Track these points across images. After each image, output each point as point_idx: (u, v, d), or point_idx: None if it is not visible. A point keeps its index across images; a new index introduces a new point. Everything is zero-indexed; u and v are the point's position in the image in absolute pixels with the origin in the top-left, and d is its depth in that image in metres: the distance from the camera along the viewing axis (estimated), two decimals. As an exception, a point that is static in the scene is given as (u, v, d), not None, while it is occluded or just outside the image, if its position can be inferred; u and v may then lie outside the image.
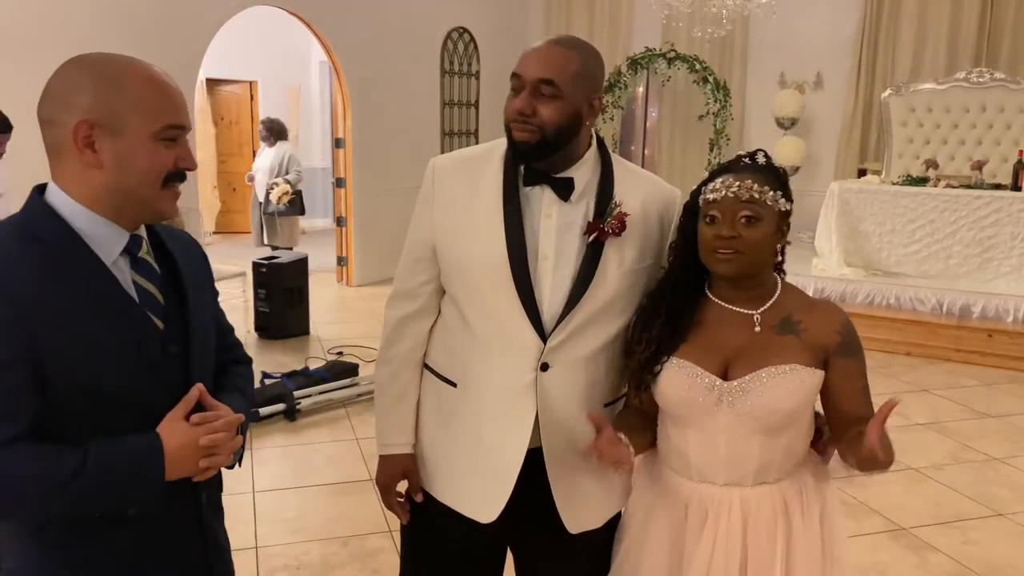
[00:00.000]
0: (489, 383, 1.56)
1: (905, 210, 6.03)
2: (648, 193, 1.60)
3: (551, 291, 1.52)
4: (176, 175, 1.21)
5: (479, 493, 1.58)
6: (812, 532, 1.52)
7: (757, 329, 1.48)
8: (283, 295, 5.78)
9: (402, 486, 1.70)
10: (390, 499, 1.71)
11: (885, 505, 3.43)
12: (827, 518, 1.56)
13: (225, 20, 6.17)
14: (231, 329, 1.52)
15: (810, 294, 1.63)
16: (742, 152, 1.54)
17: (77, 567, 1.19)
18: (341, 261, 7.64)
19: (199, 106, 9.04)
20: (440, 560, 1.71)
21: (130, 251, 1.22)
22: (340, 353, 5.36)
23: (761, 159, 1.50)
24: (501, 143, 1.58)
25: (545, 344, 1.52)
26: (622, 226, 1.52)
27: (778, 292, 1.52)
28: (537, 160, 1.52)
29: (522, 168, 1.54)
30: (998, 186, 6.03)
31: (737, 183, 1.44)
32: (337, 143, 7.45)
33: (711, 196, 1.47)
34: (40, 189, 1.20)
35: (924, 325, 5.68)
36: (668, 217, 1.62)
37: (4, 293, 1.08)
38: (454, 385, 1.62)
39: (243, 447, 1.33)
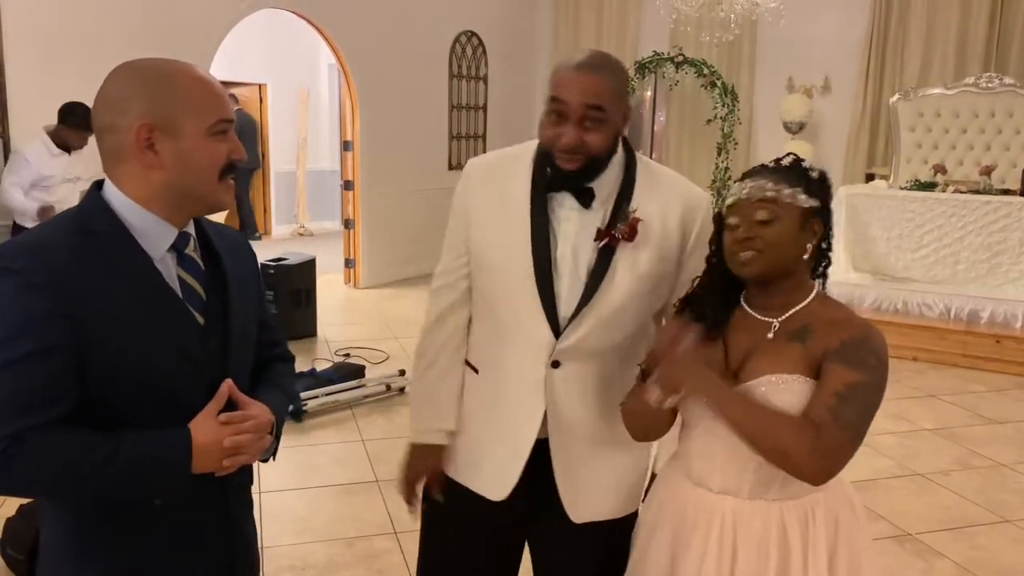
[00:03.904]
0: (505, 372, 1.63)
1: (913, 215, 6.02)
2: (670, 197, 1.60)
3: (568, 291, 1.56)
4: (229, 167, 1.25)
5: (490, 472, 1.65)
6: (817, 573, 1.42)
7: (770, 336, 1.44)
8: (291, 296, 5.79)
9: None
10: (410, 490, 1.72)
11: (892, 511, 3.42)
12: (843, 568, 1.44)
13: (235, 23, 6.19)
14: (276, 327, 1.56)
15: None
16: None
17: (111, 552, 1.22)
18: (349, 263, 7.65)
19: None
20: (458, 543, 1.73)
21: (177, 248, 1.26)
22: (347, 355, 5.38)
23: (787, 161, 1.47)
24: (532, 145, 1.61)
25: (557, 341, 1.55)
26: (633, 232, 1.53)
27: (808, 300, 1.46)
28: (580, 182, 1.54)
29: (549, 172, 1.56)
30: (1007, 191, 6.01)
31: (751, 185, 1.44)
32: (346, 146, 7.47)
33: (729, 201, 1.46)
34: (98, 185, 1.24)
35: (932, 330, 5.66)
36: (690, 220, 1.60)
37: (53, 281, 1.12)
38: (476, 371, 1.69)
39: (276, 442, 1.36)
